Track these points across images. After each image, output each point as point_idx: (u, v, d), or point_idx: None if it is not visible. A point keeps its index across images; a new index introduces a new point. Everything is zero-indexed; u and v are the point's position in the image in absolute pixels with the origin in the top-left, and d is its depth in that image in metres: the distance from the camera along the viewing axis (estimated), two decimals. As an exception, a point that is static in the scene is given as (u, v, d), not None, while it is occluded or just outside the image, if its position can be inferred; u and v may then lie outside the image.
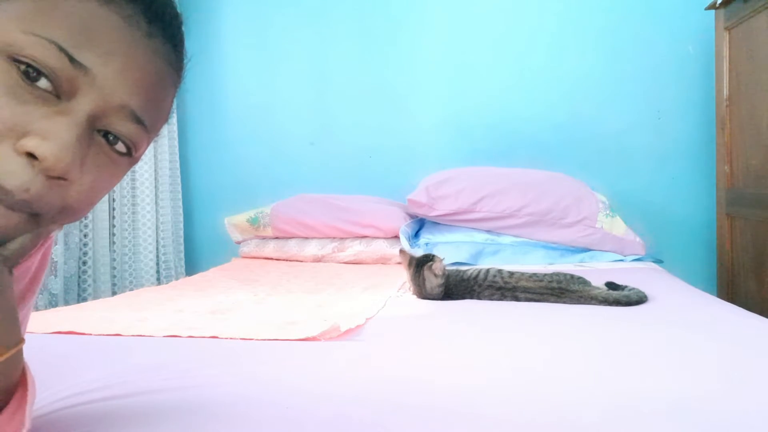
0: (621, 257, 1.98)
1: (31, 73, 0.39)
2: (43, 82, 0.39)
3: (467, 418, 0.65)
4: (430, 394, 0.74)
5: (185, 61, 0.50)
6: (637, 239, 1.99)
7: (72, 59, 0.40)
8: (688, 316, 1.17)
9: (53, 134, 0.39)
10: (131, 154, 0.47)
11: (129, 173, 2.33)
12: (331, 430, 0.64)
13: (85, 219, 2.20)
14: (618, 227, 1.99)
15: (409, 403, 0.71)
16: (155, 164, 2.42)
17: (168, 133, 2.49)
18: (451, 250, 1.99)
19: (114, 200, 2.29)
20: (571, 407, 0.68)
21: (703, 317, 1.15)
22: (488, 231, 2.05)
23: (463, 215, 2.04)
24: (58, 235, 2.03)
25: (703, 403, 0.69)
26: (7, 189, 0.39)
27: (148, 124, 0.46)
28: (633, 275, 1.68)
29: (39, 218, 0.42)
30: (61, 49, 0.39)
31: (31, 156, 0.39)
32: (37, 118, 0.39)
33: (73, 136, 0.40)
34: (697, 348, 0.92)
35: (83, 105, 0.41)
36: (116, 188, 2.28)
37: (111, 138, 0.44)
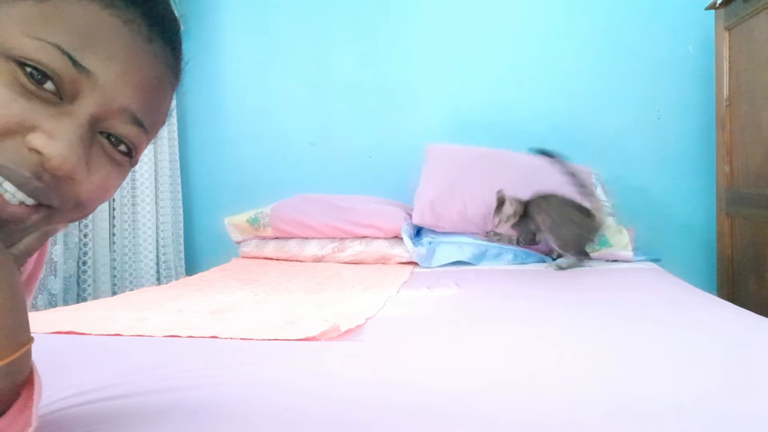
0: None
1: (36, 75, 0.40)
2: (48, 85, 0.41)
3: (467, 419, 0.65)
4: (430, 395, 0.74)
5: (183, 65, 0.51)
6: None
7: (75, 62, 0.41)
8: (688, 316, 1.17)
9: (58, 134, 0.41)
10: (131, 156, 0.48)
11: (129, 173, 2.33)
12: (330, 430, 0.64)
13: (85, 219, 2.20)
14: (621, 241, 1.96)
15: (409, 403, 0.71)
16: (155, 164, 2.42)
17: (168, 133, 2.48)
18: (454, 250, 1.99)
19: (114, 200, 2.29)
20: (571, 408, 0.68)
21: (703, 317, 1.15)
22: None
23: (472, 227, 2.05)
24: (58, 235, 2.03)
25: (703, 404, 0.69)
26: (25, 176, 0.40)
27: (148, 127, 0.47)
28: (633, 275, 1.68)
29: (54, 213, 0.44)
30: (64, 53, 0.40)
31: (38, 153, 0.41)
32: (43, 116, 0.41)
33: (76, 136, 0.42)
34: (698, 348, 0.92)
35: (85, 107, 0.42)
36: (116, 188, 2.28)
37: (113, 140, 0.46)
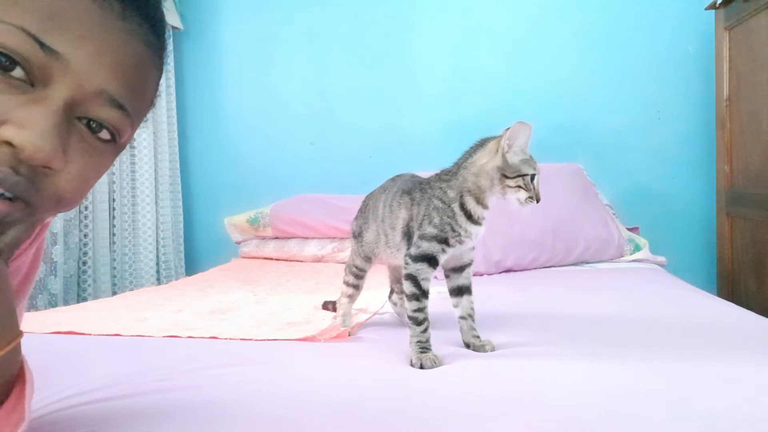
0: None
1: (3, 62, 0.38)
2: (17, 72, 0.39)
3: (467, 418, 0.65)
4: (430, 394, 0.74)
5: (166, 40, 0.49)
6: (658, 258, 1.95)
7: (42, 45, 0.39)
8: (688, 316, 1.17)
9: (30, 123, 0.39)
10: (115, 141, 0.46)
11: (129, 173, 2.33)
12: (330, 429, 0.64)
13: (85, 219, 2.19)
14: (641, 255, 1.95)
15: (408, 403, 0.71)
16: (155, 164, 2.42)
17: (168, 133, 2.48)
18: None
19: (114, 200, 2.29)
20: (571, 408, 0.68)
21: (703, 317, 1.15)
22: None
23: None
24: (58, 235, 2.03)
25: (703, 404, 0.69)
26: (4, 171, 0.39)
27: (130, 109, 0.45)
28: (633, 275, 1.68)
29: (35, 209, 0.42)
30: (30, 35, 0.38)
31: (11, 145, 0.39)
32: (13, 107, 0.39)
33: (50, 124, 0.40)
34: (698, 348, 0.92)
35: (59, 92, 0.40)
36: (116, 188, 2.28)
37: (94, 126, 0.44)
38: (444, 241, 0.94)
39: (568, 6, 2.37)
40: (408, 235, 0.99)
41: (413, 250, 0.95)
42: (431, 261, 0.94)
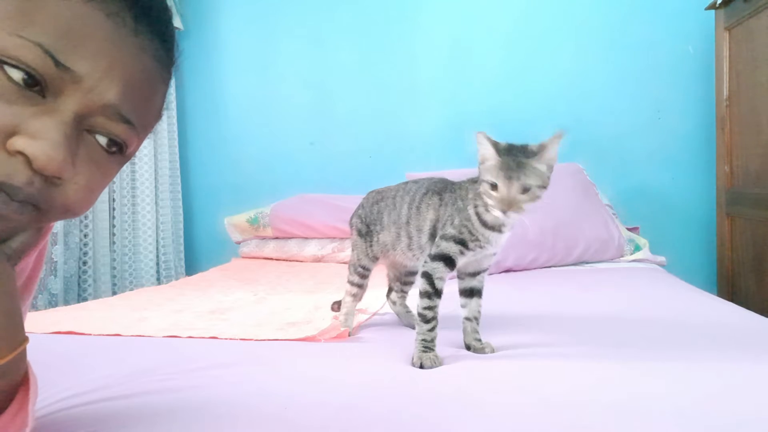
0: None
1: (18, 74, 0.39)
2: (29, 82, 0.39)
3: (466, 418, 0.65)
4: (429, 394, 0.74)
5: (176, 56, 0.49)
6: (658, 258, 1.95)
7: (57, 63, 0.39)
8: (688, 316, 1.17)
9: (42, 134, 0.39)
10: (122, 152, 0.46)
11: (129, 173, 2.33)
12: (330, 429, 0.64)
13: (85, 219, 2.19)
14: (641, 255, 1.95)
15: (409, 402, 0.71)
16: (155, 164, 2.42)
17: (168, 133, 2.48)
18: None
19: (114, 200, 2.29)
20: (573, 407, 0.68)
21: (703, 317, 1.15)
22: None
23: None
24: (58, 235, 2.03)
25: (703, 404, 0.69)
26: (14, 186, 0.39)
27: (137, 123, 0.45)
28: (633, 275, 1.68)
29: (43, 216, 0.43)
30: (46, 52, 0.39)
31: (22, 155, 0.39)
32: (24, 118, 0.39)
33: (61, 135, 0.40)
34: (698, 348, 0.92)
35: (70, 104, 0.41)
36: (116, 188, 2.28)
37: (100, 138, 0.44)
38: (462, 243, 0.92)
39: (568, 6, 2.37)
40: (435, 237, 0.98)
41: (433, 250, 0.94)
42: (448, 261, 0.93)
